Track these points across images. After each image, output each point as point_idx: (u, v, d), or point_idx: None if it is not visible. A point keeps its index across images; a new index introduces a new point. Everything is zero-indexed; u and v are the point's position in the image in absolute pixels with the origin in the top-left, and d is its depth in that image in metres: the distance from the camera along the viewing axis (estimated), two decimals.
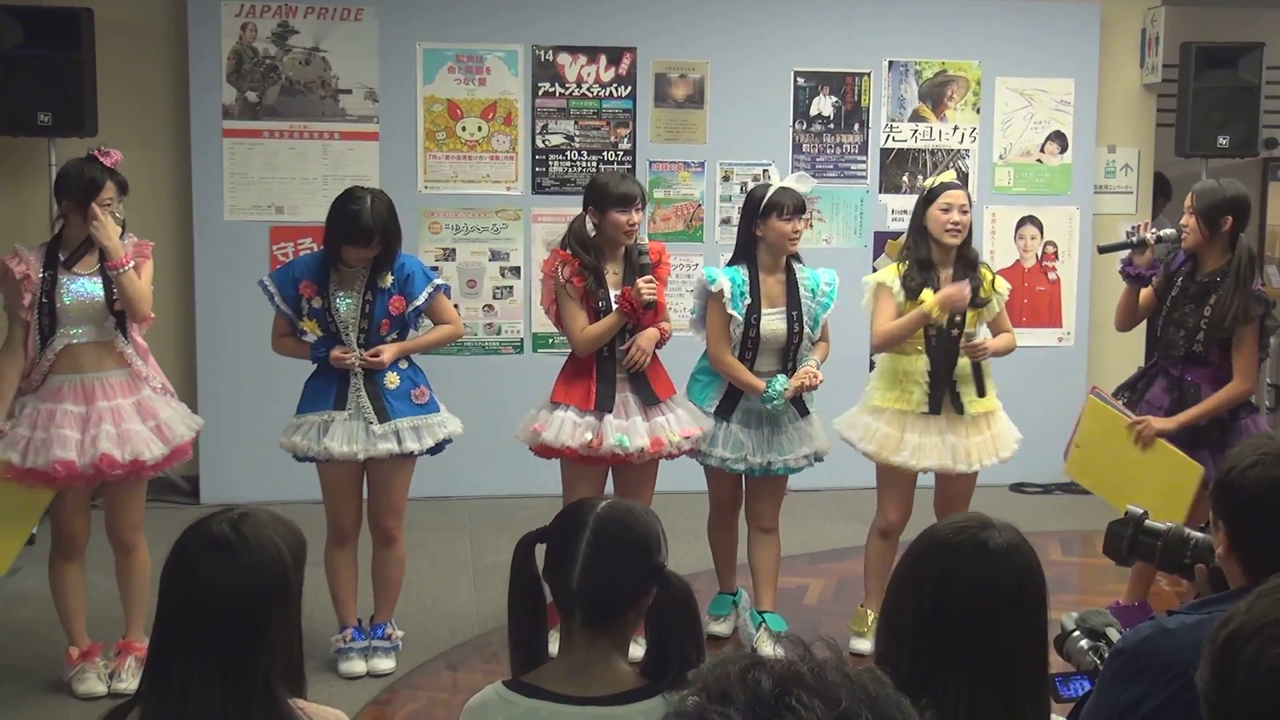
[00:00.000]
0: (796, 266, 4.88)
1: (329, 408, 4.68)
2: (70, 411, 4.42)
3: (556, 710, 2.25)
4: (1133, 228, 4.97)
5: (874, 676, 1.22)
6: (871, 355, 4.87)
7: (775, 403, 4.75)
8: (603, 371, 4.73)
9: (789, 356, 4.83)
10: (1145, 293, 4.90)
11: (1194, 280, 4.70)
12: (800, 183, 4.86)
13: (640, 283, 4.66)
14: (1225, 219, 4.64)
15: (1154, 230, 4.91)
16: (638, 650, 2.51)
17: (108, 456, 4.40)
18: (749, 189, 5.04)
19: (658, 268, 4.76)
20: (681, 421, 4.77)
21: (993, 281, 4.91)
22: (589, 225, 4.73)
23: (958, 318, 4.76)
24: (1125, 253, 4.96)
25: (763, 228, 4.78)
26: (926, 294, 4.71)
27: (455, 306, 6.88)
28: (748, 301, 4.77)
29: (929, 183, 4.90)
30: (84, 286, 4.47)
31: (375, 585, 4.87)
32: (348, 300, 4.65)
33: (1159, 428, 4.63)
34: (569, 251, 4.72)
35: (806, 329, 4.83)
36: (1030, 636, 2.10)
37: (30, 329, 4.42)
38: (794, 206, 4.76)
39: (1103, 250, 5.27)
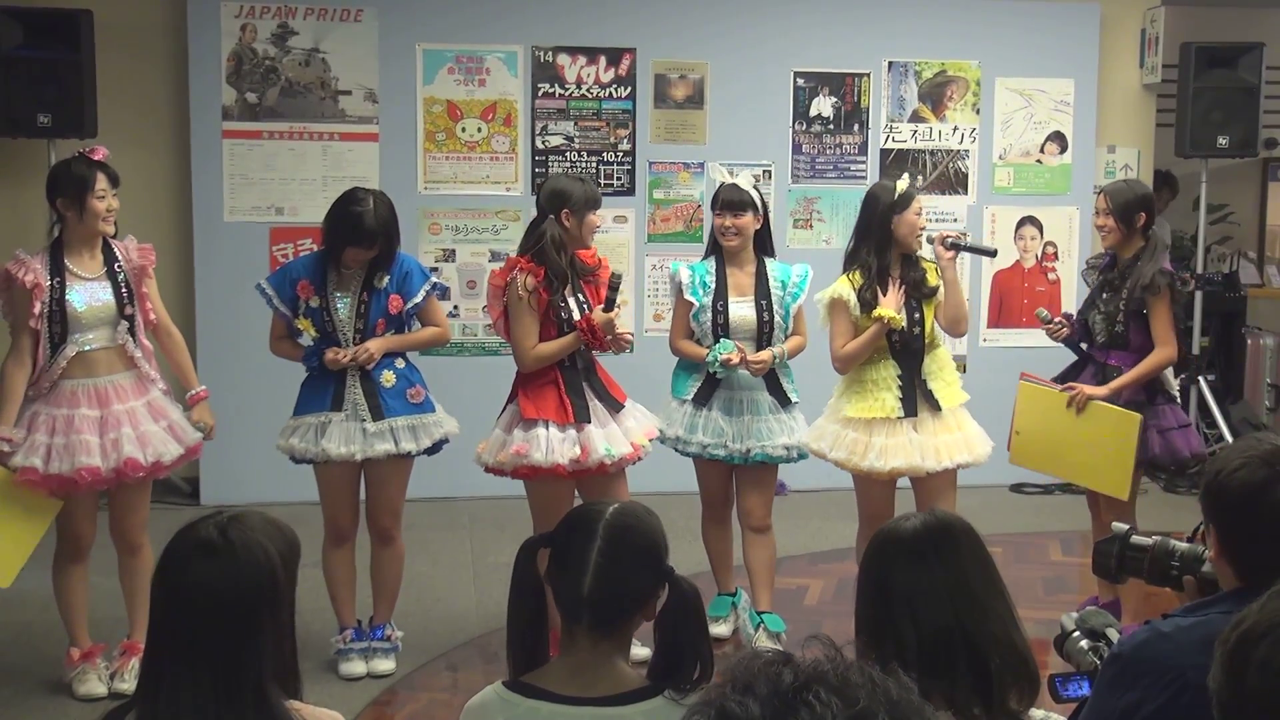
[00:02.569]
0: (768, 261, 4.96)
1: (325, 409, 4.68)
2: (87, 416, 4.42)
3: (557, 711, 2.26)
4: (1049, 322, 5.11)
5: (900, 683, 1.24)
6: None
7: (714, 366, 4.80)
8: (569, 382, 4.63)
9: (762, 344, 4.87)
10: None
11: (1110, 273, 4.98)
12: (741, 179, 4.92)
13: (610, 316, 4.59)
14: (1139, 215, 4.91)
15: (1057, 321, 5.11)
16: (638, 651, 2.51)
17: (132, 460, 4.41)
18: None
19: (599, 270, 4.75)
20: (642, 425, 4.78)
21: (928, 273, 4.84)
22: (564, 228, 4.61)
23: (916, 315, 4.76)
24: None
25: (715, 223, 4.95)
26: (880, 310, 4.66)
27: (454, 309, 6.95)
28: (711, 291, 4.86)
29: (900, 187, 4.81)
30: (94, 292, 4.47)
31: (374, 585, 4.87)
32: (345, 300, 4.65)
33: (1090, 393, 4.83)
34: (533, 261, 4.57)
35: (777, 317, 4.87)
36: (992, 579, 2.22)
37: (40, 337, 4.39)
38: (724, 203, 4.87)
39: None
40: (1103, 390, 4.82)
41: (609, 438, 4.63)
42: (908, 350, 4.76)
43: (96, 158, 4.48)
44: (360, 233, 4.55)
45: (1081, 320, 5.05)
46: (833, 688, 1.20)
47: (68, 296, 4.41)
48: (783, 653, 1.26)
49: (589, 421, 4.61)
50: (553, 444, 4.54)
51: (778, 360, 4.86)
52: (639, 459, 4.75)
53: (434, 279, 4.83)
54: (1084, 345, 5.05)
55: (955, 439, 4.77)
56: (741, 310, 4.88)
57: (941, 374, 4.83)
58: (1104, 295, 4.96)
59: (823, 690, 1.19)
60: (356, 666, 4.73)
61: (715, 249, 4.97)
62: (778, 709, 1.19)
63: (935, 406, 4.75)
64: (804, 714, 1.18)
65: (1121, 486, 4.75)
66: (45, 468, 4.35)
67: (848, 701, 1.19)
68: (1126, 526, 2.60)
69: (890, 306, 4.67)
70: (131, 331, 4.53)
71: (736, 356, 4.77)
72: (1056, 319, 5.13)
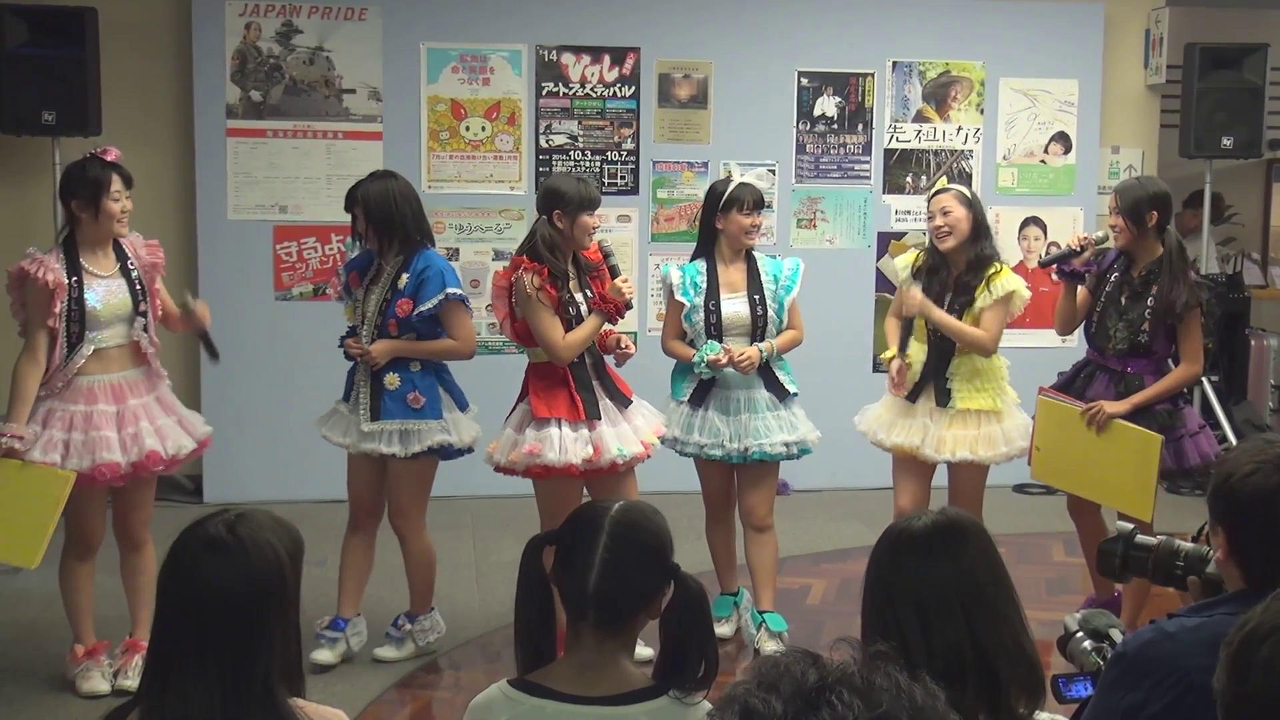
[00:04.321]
0: (757, 256, 4.98)
1: (342, 397, 4.86)
2: (105, 411, 4.42)
3: (561, 709, 2.25)
4: (1069, 249, 4.95)
5: (926, 689, 1.24)
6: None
7: (699, 367, 4.81)
8: (580, 379, 4.63)
9: (757, 340, 4.89)
10: (1081, 293, 4.97)
11: (1129, 276, 4.81)
12: (760, 179, 4.94)
13: (619, 283, 4.65)
14: (1150, 215, 4.73)
15: (1086, 236, 4.97)
16: (641, 650, 2.51)
17: (154, 453, 4.43)
18: (711, 185, 5.10)
19: (600, 267, 4.74)
20: (650, 423, 4.79)
21: (987, 281, 4.89)
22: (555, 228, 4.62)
23: (953, 315, 4.89)
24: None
25: (723, 221, 4.89)
26: (888, 355, 5.03)
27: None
28: (703, 290, 4.88)
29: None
30: (111, 290, 4.47)
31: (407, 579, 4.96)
32: (376, 295, 4.74)
33: (1111, 411, 4.72)
34: (533, 260, 4.57)
35: (771, 312, 4.88)
36: (1002, 580, 2.18)
37: (58, 335, 4.38)
38: (753, 202, 4.88)
39: (1044, 264, 5.23)
40: (1123, 407, 4.69)
41: (620, 437, 4.63)
42: (938, 345, 4.92)
43: (109, 158, 4.49)
44: (347, 196, 4.77)
45: (1101, 324, 4.86)
46: (856, 689, 1.21)
47: (86, 295, 4.41)
48: (811, 654, 1.26)
49: (599, 418, 4.61)
50: (566, 443, 4.54)
51: (766, 356, 4.86)
52: (648, 457, 4.76)
53: (454, 289, 4.70)
54: (1097, 351, 4.92)
55: (969, 435, 4.89)
56: (735, 307, 4.88)
57: (973, 379, 4.91)
58: (1124, 299, 4.79)
59: (846, 691, 1.20)
60: (323, 654, 4.72)
61: (704, 250, 4.97)
62: (800, 708, 1.20)
63: (942, 401, 4.89)
64: (825, 713, 1.19)
65: (1144, 508, 4.56)
66: (64, 465, 4.35)
67: (870, 704, 1.20)
68: (1131, 526, 2.60)
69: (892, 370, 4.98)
70: (145, 328, 4.55)
71: (723, 357, 4.78)
72: (1085, 240, 4.90)
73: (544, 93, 7.11)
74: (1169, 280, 4.69)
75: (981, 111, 7.44)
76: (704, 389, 4.89)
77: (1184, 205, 8.30)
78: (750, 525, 4.98)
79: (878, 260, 7.31)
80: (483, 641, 5.08)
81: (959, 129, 7.43)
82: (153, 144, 6.89)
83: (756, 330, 4.88)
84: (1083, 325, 5.01)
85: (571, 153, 7.14)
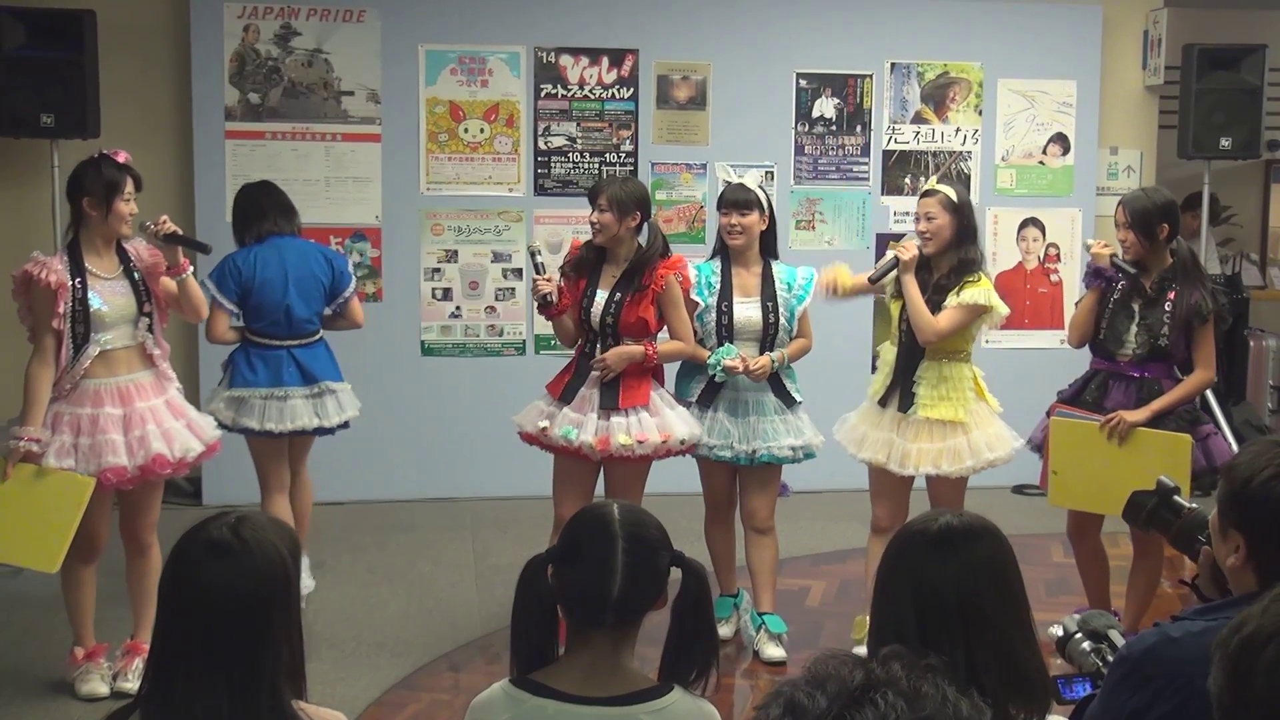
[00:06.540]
0: (774, 263, 4.98)
1: None
2: (111, 415, 4.42)
3: (563, 709, 2.26)
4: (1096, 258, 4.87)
5: (973, 705, 1.26)
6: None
7: (715, 370, 4.82)
8: (580, 367, 4.83)
9: (767, 346, 4.89)
10: (1086, 305, 4.90)
11: (1140, 285, 4.73)
12: (748, 179, 4.98)
13: (537, 282, 4.79)
14: (1161, 227, 4.68)
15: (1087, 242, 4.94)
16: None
17: (160, 457, 4.43)
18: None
19: (654, 283, 4.74)
20: (643, 426, 4.73)
21: (961, 287, 4.78)
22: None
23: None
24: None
25: (720, 220, 4.99)
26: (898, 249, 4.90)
27: (456, 309, 6.95)
28: (716, 291, 4.90)
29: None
30: (115, 291, 4.47)
31: None
32: None
33: (1132, 420, 4.65)
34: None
35: (782, 319, 4.89)
36: (1007, 594, 2.16)
37: (63, 338, 4.38)
38: (730, 201, 4.92)
39: (1117, 270, 5.14)
40: (1143, 414, 4.63)
41: (579, 424, 4.72)
42: (908, 347, 4.82)
43: (120, 160, 4.49)
44: None
45: (1112, 329, 4.78)
46: (901, 693, 1.23)
47: (89, 296, 4.41)
48: (862, 658, 1.29)
49: (569, 403, 4.77)
50: (530, 412, 4.85)
51: (777, 365, 4.88)
52: (618, 455, 4.70)
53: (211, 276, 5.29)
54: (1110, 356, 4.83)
55: (935, 449, 4.77)
56: (747, 311, 4.89)
57: (939, 386, 4.79)
58: (1136, 306, 4.73)
59: (890, 693, 1.23)
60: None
61: (721, 250, 4.99)
62: (844, 705, 1.23)
63: (905, 406, 4.79)
64: (868, 711, 1.22)
65: None
66: (75, 469, 4.35)
67: (915, 709, 1.22)
68: (1174, 484, 2.58)
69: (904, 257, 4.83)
70: (150, 330, 4.55)
71: (739, 363, 4.78)
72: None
73: (542, 94, 7.11)
74: (1188, 287, 4.64)
75: (980, 113, 7.45)
76: (713, 390, 4.90)
77: (1182, 208, 8.29)
78: (752, 527, 4.99)
79: (875, 262, 7.31)
80: (482, 642, 5.08)
81: (957, 130, 7.44)
82: (151, 146, 6.87)
83: (767, 336, 4.88)
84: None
85: (570, 154, 7.14)
